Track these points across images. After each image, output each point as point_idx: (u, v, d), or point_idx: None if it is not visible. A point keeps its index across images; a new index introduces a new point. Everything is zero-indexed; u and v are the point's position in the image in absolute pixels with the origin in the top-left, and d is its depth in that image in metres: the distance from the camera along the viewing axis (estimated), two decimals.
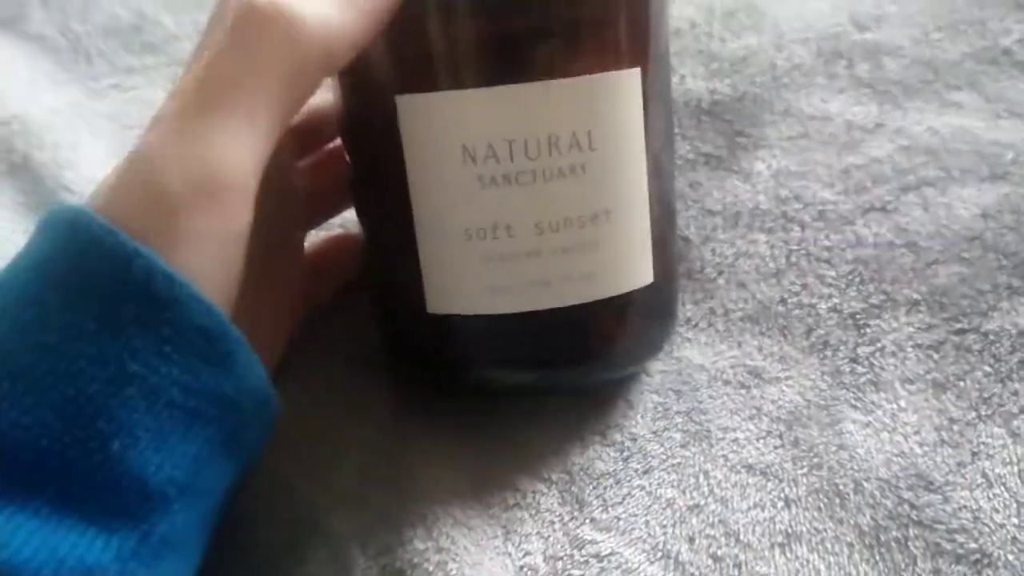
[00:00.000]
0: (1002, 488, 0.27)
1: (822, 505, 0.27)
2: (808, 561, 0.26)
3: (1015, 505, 0.27)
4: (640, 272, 0.26)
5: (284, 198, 0.28)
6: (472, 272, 0.25)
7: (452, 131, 0.24)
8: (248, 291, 0.23)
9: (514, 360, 0.27)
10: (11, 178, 0.36)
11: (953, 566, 0.26)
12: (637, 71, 0.25)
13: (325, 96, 0.29)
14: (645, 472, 0.28)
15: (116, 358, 0.20)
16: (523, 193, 0.24)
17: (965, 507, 0.27)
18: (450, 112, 0.24)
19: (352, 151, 0.28)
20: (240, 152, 0.21)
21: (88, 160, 0.37)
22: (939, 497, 0.27)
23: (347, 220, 0.34)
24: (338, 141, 0.32)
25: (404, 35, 0.24)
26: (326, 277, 0.32)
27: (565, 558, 0.26)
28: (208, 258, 0.21)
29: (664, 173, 0.28)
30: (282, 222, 0.27)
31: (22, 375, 0.20)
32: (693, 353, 0.31)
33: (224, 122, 0.21)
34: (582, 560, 0.26)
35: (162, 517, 0.21)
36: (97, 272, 0.20)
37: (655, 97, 0.26)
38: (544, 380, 0.28)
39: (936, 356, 0.30)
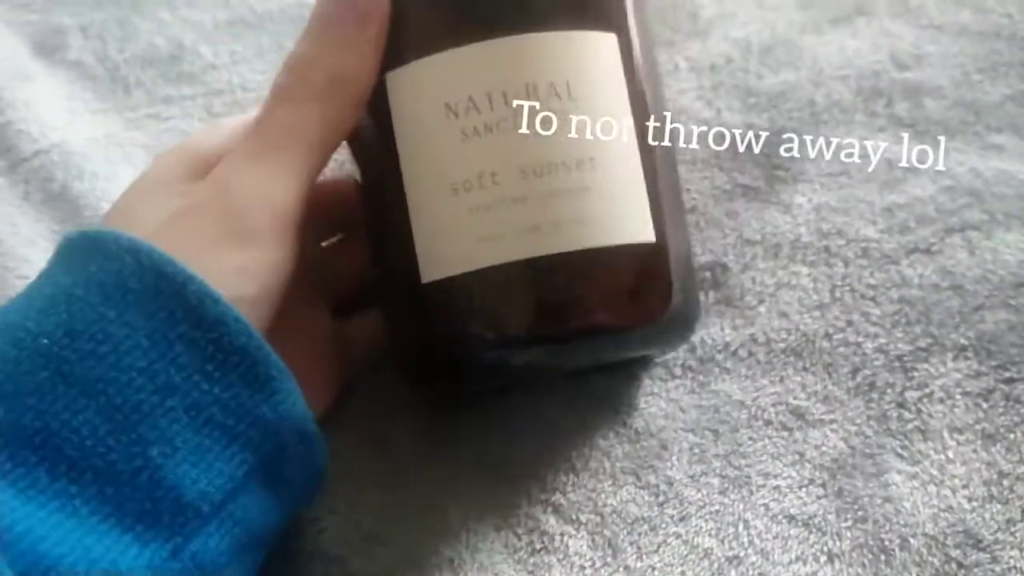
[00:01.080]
0: None
1: (866, 561, 0.26)
2: None
3: None
4: (637, 225, 0.26)
5: (311, 270, 0.30)
6: (461, 226, 0.25)
7: (435, 91, 0.26)
8: (283, 348, 0.25)
9: (516, 333, 0.26)
10: (49, 208, 0.37)
11: None
12: (612, 36, 0.27)
13: (349, 180, 0.31)
14: (682, 519, 0.27)
15: (164, 371, 0.22)
16: (505, 140, 0.25)
17: (1015, 568, 0.26)
18: (432, 75, 0.26)
19: (353, 146, 0.29)
20: (293, 189, 0.26)
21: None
22: (987, 556, 0.26)
23: None
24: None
25: (390, 21, 0.26)
26: (359, 354, 0.32)
27: None
28: (260, 260, 0.25)
29: (658, 139, 0.28)
30: (308, 290, 0.30)
31: (75, 380, 0.22)
32: (732, 387, 0.30)
33: (281, 163, 0.26)
34: None
35: (195, 532, 0.22)
36: (155, 294, 0.23)
37: (639, 66, 0.27)
38: (552, 358, 0.27)
39: (985, 405, 0.29)
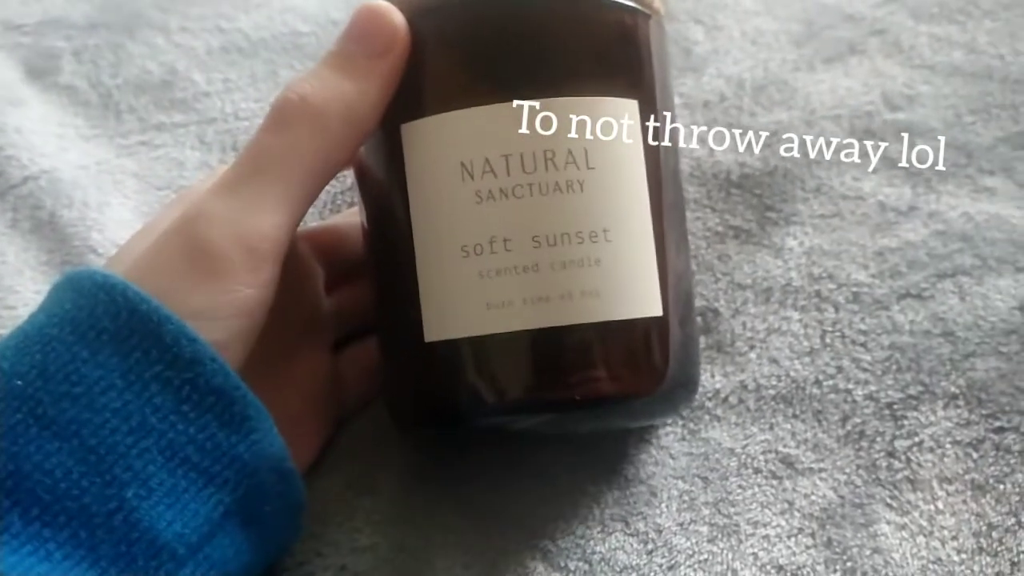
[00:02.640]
0: None
1: None
2: None
3: None
4: (647, 300, 0.26)
5: (311, 310, 0.30)
6: (469, 290, 0.25)
7: (451, 149, 0.25)
8: (279, 389, 0.25)
9: (517, 400, 0.25)
10: (37, 236, 0.36)
11: None
12: (634, 103, 0.26)
13: (352, 220, 0.32)
14: (670, 568, 0.27)
15: (139, 412, 0.22)
16: (520, 206, 0.25)
17: None
18: (449, 132, 0.25)
19: (362, 190, 0.29)
20: (273, 219, 0.25)
21: (115, 221, 0.36)
22: None
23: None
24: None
25: (409, 70, 0.26)
26: (357, 388, 0.32)
27: None
28: (231, 315, 0.24)
29: (670, 209, 0.27)
30: (310, 332, 0.29)
31: (49, 422, 0.22)
32: (722, 435, 0.30)
33: (261, 194, 0.25)
34: None
35: (170, 575, 0.22)
36: (128, 333, 0.22)
37: (656, 132, 0.27)
38: (550, 426, 0.27)
39: (975, 455, 0.29)
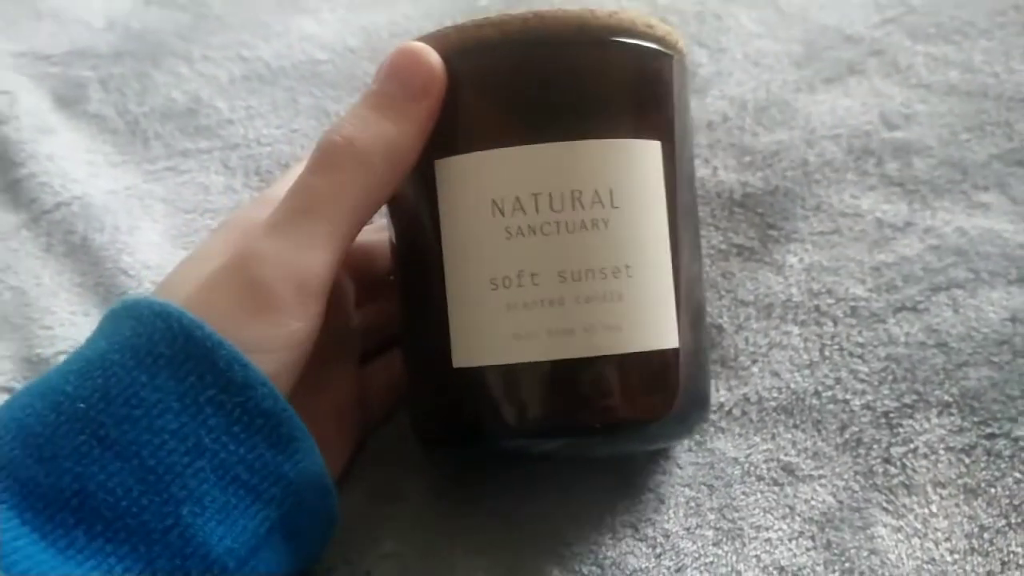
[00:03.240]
0: None
1: None
2: None
3: None
4: (665, 332, 0.27)
5: (342, 327, 0.31)
6: (497, 320, 0.26)
7: (483, 187, 0.26)
8: (311, 405, 0.26)
9: (539, 425, 0.27)
10: (71, 259, 0.38)
11: None
12: (657, 144, 0.27)
13: (379, 237, 0.32)
14: (678, 570, 0.29)
15: (194, 434, 0.23)
16: (547, 243, 0.26)
17: None
18: (482, 170, 0.26)
19: (395, 219, 0.30)
20: (322, 257, 0.26)
21: (145, 244, 0.38)
22: None
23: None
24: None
25: (445, 109, 0.27)
26: (382, 400, 0.33)
27: None
28: (282, 348, 0.25)
29: (689, 245, 0.29)
30: (340, 348, 0.30)
31: (111, 443, 0.23)
32: (727, 445, 0.32)
33: (311, 233, 0.26)
34: None
35: None
36: (184, 358, 0.24)
37: (675, 171, 0.28)
38: (570, 449, 0.28)
39: (967, 460, 0.30)
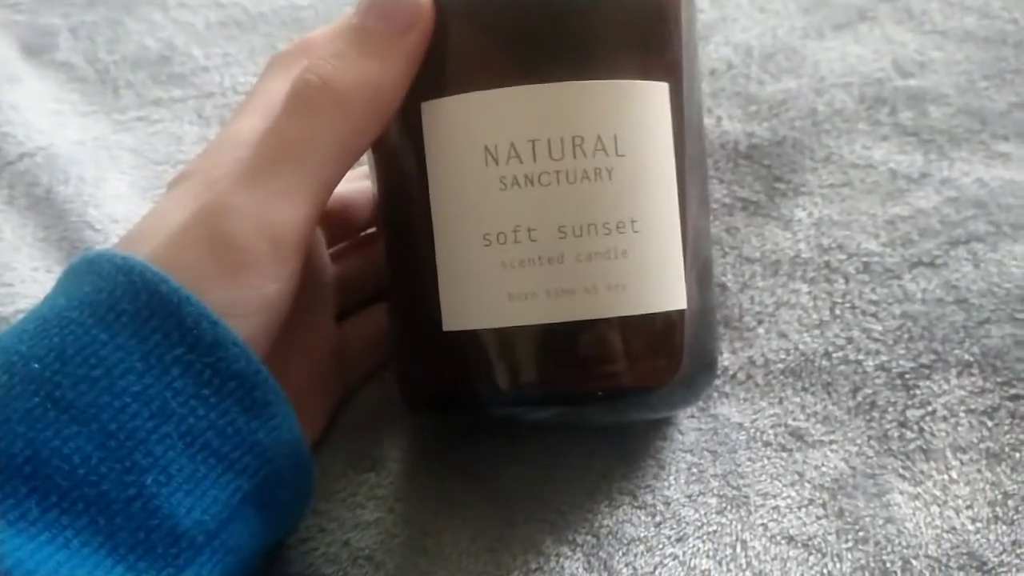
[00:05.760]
0: None
1: None
2: None
3: None
4: (673, 293, 0.25)
5: (316, 279, 0.29)
6: (490, 280, 0.24)
7: (475, 132, 0.24)
8: (285, 363, 0.25)
9: (536, 392, 0.25)
10: (34, 212, 0.36)
11: None
12: (664, 86, 0.25)
13: (357, 186, 0.31)
14: (679, 540, 0.27)
15: (159, 396, 0.22)
16: (546, 194, 0.24)
17: None
18: (473, 113, 0.24)
19: (379, 167, 0.28)
20: (297, 210, 0.24)
21: (112, 196, 0.36)
22: None
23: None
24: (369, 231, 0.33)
25: (431, 45, 0.25)
26: (361, 356, 0.32)
27: None
28: (256, 311, 0.23)
29: (697, 198, 0.27)
30: (314, 302, 0.28)
31: (67, 406, 0.21)
32: (731, 410, 0.30)
33: (286, 184, 0.24)
34: None
35: (188, 563, 0.22)
36: (148, 315, 0.22)
37: (683, 117, 0.26)
38: (567, 418, 0.26)
39: (990, 423, 0.29)
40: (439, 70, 0.25)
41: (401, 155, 0.26)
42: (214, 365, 0.22)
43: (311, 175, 0.24)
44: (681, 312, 0.25)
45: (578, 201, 0.24)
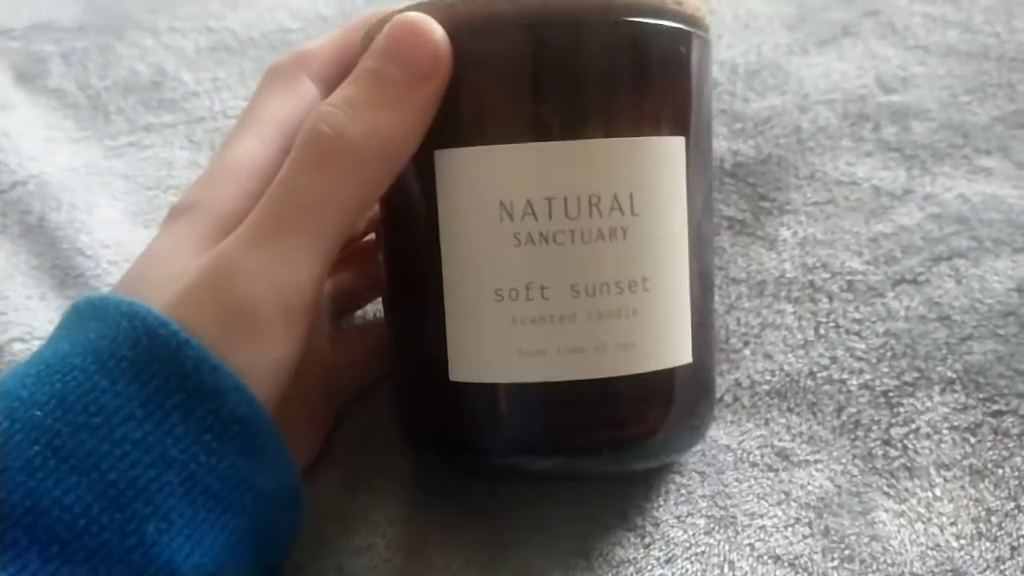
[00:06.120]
0: None
1: None
2: None
3: None
4: (680, 348, 0.25)
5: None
6: (501, 335, 0.24)
7: (491, 186, 0.24)
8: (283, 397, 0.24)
9: (541, 443, 0.25)
10: (27, 240, 0.36)
11: None
12: (681, 140, 0.25)
13: None
14: (668, 561, 0.27)
15: (159, 444, 0.21)
16: (560, 253, 0.23)
17: None
18: (490, 167, 0.24)
19: (385, 210, 0.27)
20: (310, 270, 0.23)
21: (103, 222, 0.36)
22: None
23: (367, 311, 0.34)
24: (366, 239, 0.32)
25: (447, 93, 0.24)
26: (355, 374, 0.31)
27: None
28: (268, 374, 0.23)
29: (704, 248, 0.27)
30: (311, 330, 0.28)
31: (67, 455, 0.21)
32: (718, 432, 0.30)
33: (298, 244, 0.23)
34: None
35: None
36: (148, 361, 0.22)
37: (697, 168, 0.26)
38: (571, 468, 0.26)
39: (973, 440, 0.29)
40: (456, 119, 0.24)
41: (411, 200, 0.25)
42: (216, 411, 0.22)
43: (323, 232, 0.23)
44: (687, 366, 0.25)
45: (592, 260, 0.24)
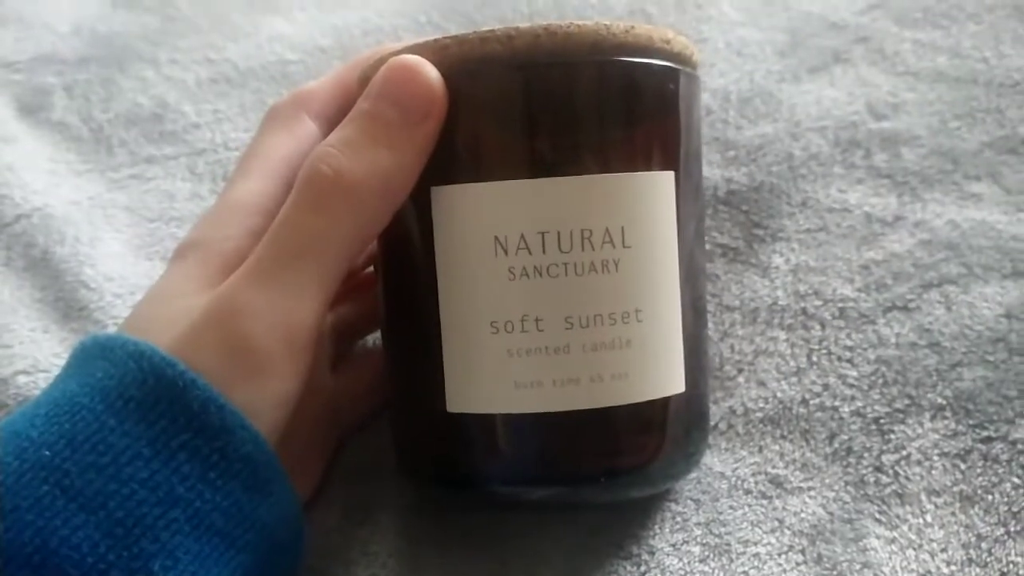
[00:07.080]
0: None
1: None
2: None
3: None
4: (673, 378, 0.26)
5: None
6: (497, 367, 0.24)
7: (486, 222, 0.24)
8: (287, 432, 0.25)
9: (538, 473, 0.25)
10: (31, 273, 0.36)
11: None
12: (671, 174, 0.25)
13: None
14: None
15: (166, 482, 0.22)
16: (554, 286, 0.24)
17: None
18: (485, 203, 0.24)
19: (383, 245, 0.28)
20: (312, 307, 0.24)
21: (107, 255, 0.37)
22: None
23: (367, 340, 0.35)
24: (366, 272, 0.33)
25: (443, 131, 0.25)
26: (356, 404, 0.32)
27: None
28: (271, 408, 0.24)
29: (696, 277, 0.27)
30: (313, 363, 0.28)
31: (76, 494, 0.21)
32: (713, 460, 0.31)
33: (300, 281, 0.24)
34: None
35: None
36: (155, 401, 0.22)
37: (687, 200, 0.26)
38: (568, 497, 0.27)
39: (963, 466, 0.29)
40: (451, 157, 0.25)
41: (408, 236, 0.26)
42: (222, 449, 0.22)
43: (324, 270, 0.24)
44: (680, 395, 0.26)
45: (585, 293, 0.24)
